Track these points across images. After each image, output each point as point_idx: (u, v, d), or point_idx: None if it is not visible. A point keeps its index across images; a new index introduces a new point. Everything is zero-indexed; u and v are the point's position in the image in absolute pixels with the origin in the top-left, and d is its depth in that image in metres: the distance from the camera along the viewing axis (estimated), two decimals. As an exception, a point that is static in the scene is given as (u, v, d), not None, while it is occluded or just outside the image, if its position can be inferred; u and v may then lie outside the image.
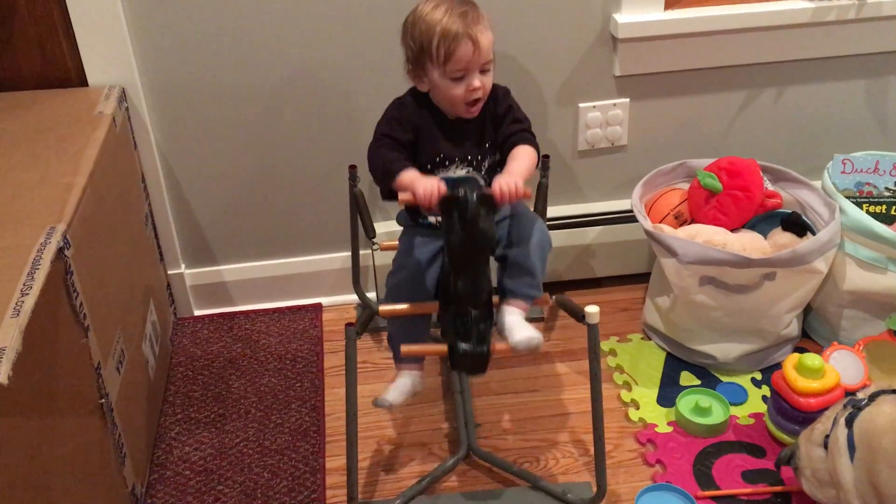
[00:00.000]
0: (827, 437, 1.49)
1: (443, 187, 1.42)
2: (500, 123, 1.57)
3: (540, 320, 2.11)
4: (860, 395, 1.49)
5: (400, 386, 1.63)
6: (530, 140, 1.57)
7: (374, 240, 1.93)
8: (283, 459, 1.76)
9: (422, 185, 1.43)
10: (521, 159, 1.53)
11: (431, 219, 1.61)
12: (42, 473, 1.24)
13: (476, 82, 1.48)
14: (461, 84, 1.49)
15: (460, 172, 1.58)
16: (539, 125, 2.01)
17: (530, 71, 1.96)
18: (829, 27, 1.97)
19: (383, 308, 1.57)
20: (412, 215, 1.66)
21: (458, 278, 1.46)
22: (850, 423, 1.44)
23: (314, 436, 1.81)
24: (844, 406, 1.50)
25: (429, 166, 1.56)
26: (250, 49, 1.86)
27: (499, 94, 1.57)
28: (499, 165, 1.59)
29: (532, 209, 1.80)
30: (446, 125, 1.56)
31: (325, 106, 1.95)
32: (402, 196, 1.47)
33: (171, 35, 1.82)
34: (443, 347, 1.52)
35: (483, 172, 1.59)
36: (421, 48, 1.48)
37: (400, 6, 1.84)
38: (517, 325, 1.51)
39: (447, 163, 1.57)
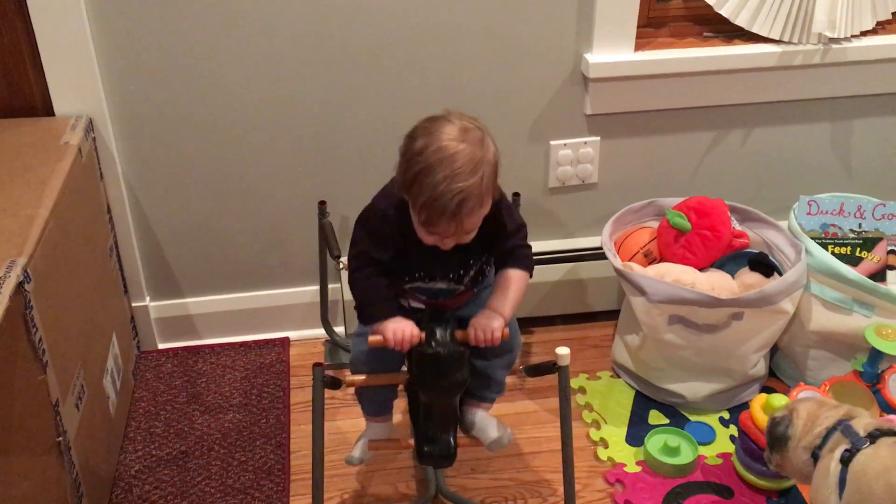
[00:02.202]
0: (818, 449, 1.46)
1: (414, 334, 1.38)
2: (495, 238, 1.45)
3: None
4: (860, 430, 1.43)
5: (371, 436, 1.61)
6: (524, 259, 1.47)
7: (340, 259, 1.90)
8: (246, 499, 1.72)
9: (392, 329, 1.38)
10: (509, 291, 1.43)
11: (403, 303, 1.52)
12: (-6, 516, 1.20)
13: (449, 244, 1.37)
14: (434, 236, 1.36)
15: (441, 285, 1.49)
16: (510, 162, 2.00)
17: (503, 108, 1.97)
18: (796, 71, 2.01)
19: (350, 379, 1.53)
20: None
21: (429, 405, 1.47)
22: (845, 461, 1.41)
23: (279, 474, 1.78)
24: (840, 430, 1.44)
25: (407, 278, 1.48)
26: (220, 81, 1.85)
27: (491, 214, 1.39)
28: (483, 274, 1.52)
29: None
30: (430, 245, 1.40)
31: (294, 139, 1.94)
32: (372, 338, 1.41)
33: (139, 66, 1.81)
34: (409, 442, 1.56)
35: (465, 282, 1.51)
36: (409, 186, 1.32)
37: (371, 44, 1.85)
38: (487, 424, 1.55)
39: (427, 279, 1.48)
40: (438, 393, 1.43)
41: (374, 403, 1.60)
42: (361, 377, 1.53)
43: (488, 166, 1.32)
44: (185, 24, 1.78)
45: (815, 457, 1.47)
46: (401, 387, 1.62)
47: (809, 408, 1.51)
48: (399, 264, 1.45)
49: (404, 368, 1.55)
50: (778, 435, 1.51)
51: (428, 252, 1.41)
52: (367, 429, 1.63)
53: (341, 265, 1.90)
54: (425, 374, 1.40)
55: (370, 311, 1.43)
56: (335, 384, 1.53)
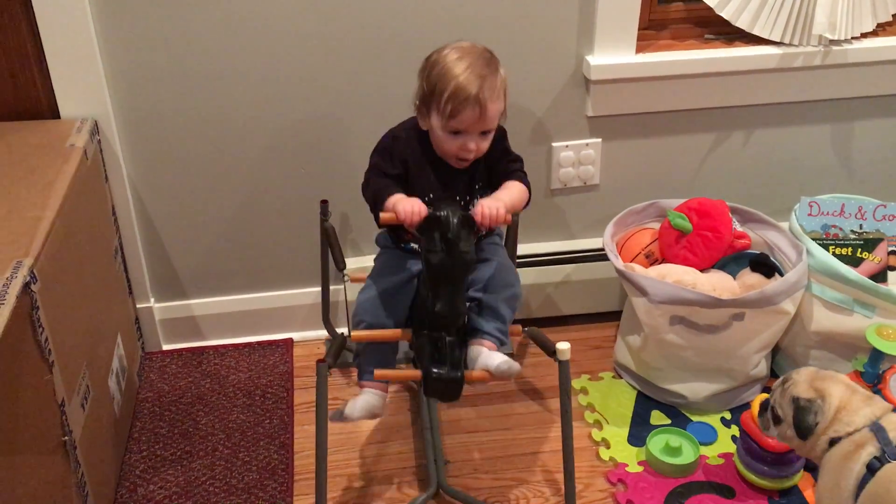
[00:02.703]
0: (836, 440, 1.42)
1: (424, 208, 1.44)
2: (495, 162, 1.58)
3: (509, 356, 2.11)
4: (892, 436, 1.38)
5: (362, 403, 1.58)
6: (523, 178, 1.59)
7: (345, 271, 1.92)
8: (250, 498, 1.73)
9: (403, 204, 1.44)
10: (510, 189, 1.55)
11: (414, 245, 1.61)
12: (1, 514, 1.21)
13: (471, 144, 1.49)
14: (457, 139, 1.49)
15: None
16: (512, 164, 2.03)
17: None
18: (796, 73, 2.02)
19: (355, 333, 1.56)
20: (394, 240, 1.66)
21: (436, 300, 1.46)
22: (872, 468, 1.36)
23: (282, 474, 1.79)
24: (871, 431, 1.40)
25: None
26: (224, 83, 1.86)
27: (494, 139, 1.56)
28: None
29: (503, 241, 1.80)
30: (437, 164, 1.56)
31: (297, 140, 1.95)
32: (384, 215, 1.47)
33: (144, 68, 1.82)
34: (416, 372, 1.52)
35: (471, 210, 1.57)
36: (432, 92, 1.48)
37: (375, 44, 1.87)
38: (491, 355, 1.52)
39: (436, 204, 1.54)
40: (446, 265, 1.42)
41: (373, 360, 1.59)
42: (368, 332, 1.55)
43: (500, 68, 1.51)
44: (190, 26, 1.79)
45: (832, 444, 1.43)
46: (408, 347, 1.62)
47: (841, 395, 1.44)
48: (409, 186, 1.54)
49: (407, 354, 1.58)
50: (807, 424, 1.44)
51: (436, 172, 1.55)
52: (360, 395, 1.59)
53: (347, 277, 1.91)
54: (433, 243, 1.41)
55: (382, 194, 1.49)
56: (340, 347, 1.57)
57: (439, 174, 1.56)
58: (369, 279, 1.63)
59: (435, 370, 1.48)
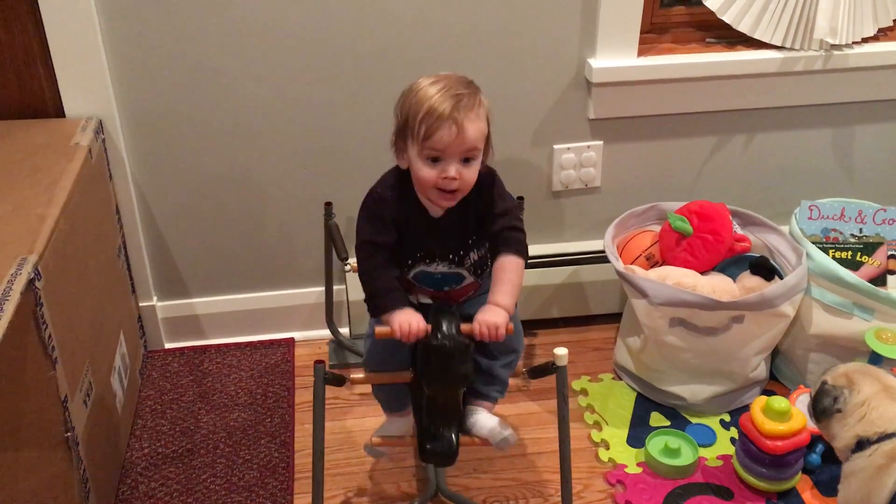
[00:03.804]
0: (864, 442, 1.39)
1: (420, 326, 1.39)
2: (485, 218, 1.46)
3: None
4: None
5: (390, 431, 1.63)
6: (517, 244, 1.46)
7: (347, 261, 1.92)
8: (251, 496, 1.74)
9: (399, 321, 1.39)
10: (507, 283, 1.43)
11: (412, 298, 1.54)
12: (4, 508, 1.22)
13: (452, 171, 1.36)
14: (435, 167, 1.37)
15: (441, 267, 1.49)
16: (514, 166, 2.04)
17: (507, 112, 1.99)
18: (798, 77, 2.03)
19: (354, 377, 1.55)
20: None
21: (432, 400, 1.48)
22: None
23: (283, 472, 1.80)
24: None
25: (409, 261, 1.49)
26: (228, 83, 1.87)
27: (483, 186, 1.44)
28: (486, 264, 1.52)
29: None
30: (428, 221, 1.46)
31: (301, 141, 1.96)
32: (379, 329, 1.42)
33: (149, 68, 1.83)
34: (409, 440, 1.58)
35: (467, 267, 1.51)
36: (406, 120, 1.38)
37: (378, 46, 1.88)
38: (492, 423, 1.55)
39: (427, 260, 1.48)
40: (443, 385, 1.44)
41: (392, 400, 1.62)
42: (365, 375, 1.55)
43: (480, 93, 1.39)
44: (194, 26, 1.80)
45: (861, 446, 1.40)
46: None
47: (873, 392, 1.41)
48: (400, 247, 1.46)
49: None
50: (822, 406, 1.42)
51: (426, 229, 1.45)
52: (386, 422, 1.65)
53: (348, 267, 1.92)
54: (430, 366, 1.42)
55: (379, 301, 1.43)
56: (339, 381, 1.55)
57: (430, 231, 1.46)
58: (370, 327, 1.54)
59: (428, 446, 1.51)
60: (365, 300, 1.48)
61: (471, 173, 1.39)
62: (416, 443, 1.54)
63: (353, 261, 1.88)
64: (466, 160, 1.38)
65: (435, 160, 1.37)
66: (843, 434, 1.44)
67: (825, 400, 1.44)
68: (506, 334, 1.41)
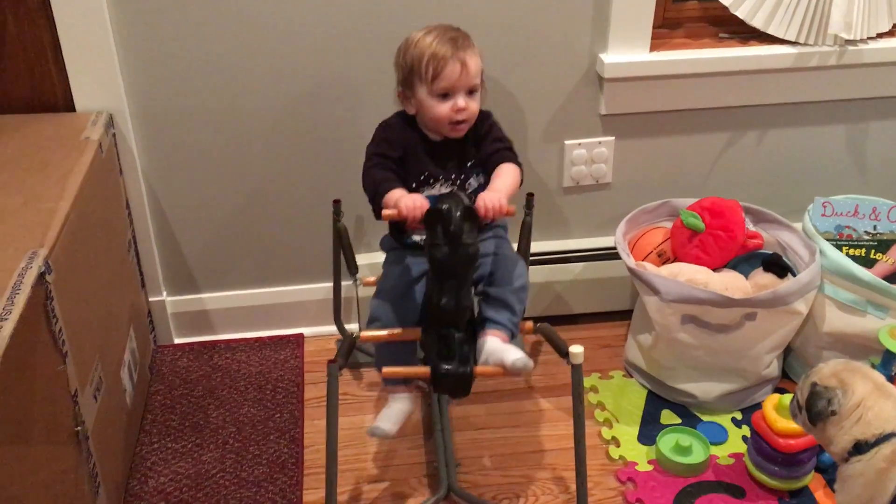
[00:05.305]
0: (865, 445, 1.36)
1: (426, 202, 1.45)
2: (482, 143, 1.61)
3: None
4: None
5: (394, 412, 1.62)
6: (512, 158, 1.61)
7: (357, 275, 1.93)
8: (260, 492, 1.74)
9: (405, 200, 1.46)
10: (505, 177, 1.56)
11: (416, 237, 1.62)
12: (14, 502, 1.22)
13: (461, 102, 1.53)
14: (447, 102, 1.53)
15: (444, 190, 1.61)
16: (525, 161, 2.01)
17: (518, 107, 1.98)
18: (811, 72, 2.01)
19: (364, 334, 1.56)
20: (397, 237, 1.67)
21: (442, 295, 1.46)
22: None
23: (292, 468, 1.79)
24: None
25: (414, 185, 1.59)
26: (239, 79, 1.87)
27: (481, 117, 1.61)
28: (483, 188, 1.59)
29: (515, 245, 1.81)
30: (430, 145, 1.61)
31: (311, 137, 1.96)
32: (386, 212, 1.49)
33: (160, 63, 1.83)
34: (425, 369, 1.52)
35: (468, 192, 1.62)
36: (411, 69, 1.54)
37: (388, 41, 1.87)
38: (505, 348, 1.51)
39: (431, 181, 1.61)
40: (450, 260, 1.42)
41: (388, 362, 1.59)
42: (377, 333, 1.55)
43: (468, 35, 1.57)
44: (205, 22, 1.80)
45: (859, 449, 1.37)
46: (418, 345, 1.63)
47: (867, 392, 1.38)
48: (405, 170, 1.59)
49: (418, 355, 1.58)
50: (818, 410, 1.40)
51: (428, 152, 1.60)
52: (390, 401, 1.63)
53: (359, 282, 1.91)
54: (437, 237, 1.41)
55: (380, 188, 1.53)
56: (350, 346, 1.58)
57: (432, 155, 1.60)
58: (379, 284, 1.66)
59: (444, 366, 1.48)
60: (370, 200, 1.58)
61: (475, 104, 1.57)
62: (431, 376, 1.50)
63: (361, 275, 1.90)
64: (470, 93, 1.55)
65: (444, 96, 1.53)
66: (839, 437, 1.40)
67: (819, 403, 1.40)
68: (507, 214, 1.47)
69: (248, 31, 1.82)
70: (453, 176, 1.62)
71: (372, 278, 1.85)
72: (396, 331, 1.57)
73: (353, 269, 1.93)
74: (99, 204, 1.69)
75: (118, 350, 1.76)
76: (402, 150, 1.59)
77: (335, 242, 1.95)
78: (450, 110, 1.54)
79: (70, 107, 1.83)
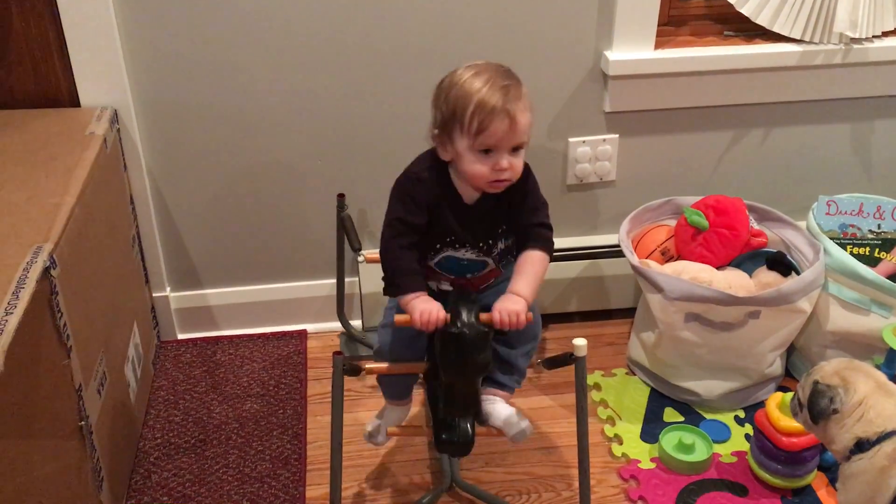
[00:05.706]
0: (867, 442, 1.36)
1: (440, 316, 1.38)
2: (518, 208, 1.46)
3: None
4: None
5: (390, 420, 1.63)
6: (544, 241, 1.47)
7: (361, 251, 1.92)
8: (263, 487, 1.74)
9: (421, 311, 1.38)
10: (529, 275, 1.43)
11: (431, 285, 1.53)
12: (19, 495, 1.22)
13: (504, 162, 1.37)
14: (488, 160, 1.37)
15: (469, 255, 1.49)
16: (529, 159, 2.01)
17: (521, 104, 1.98)
18: (817, 71, 2.01)
19: (369, 366, 1.54)
20: None
21: (450, 388, 1.47)
22: None
23: (295, 463, 1.80)
24: None
25: (438, 245, 1.48)
26: (243, 74, 1.87)
27: (519, 181, 1.44)
28: (511, 253, 1.52)
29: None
30: (461, 208, 1.45)
31: (315, 133, 1.96)
32: (399, 317, 1.41)
33: (165, 58, 1.83)
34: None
35: (494, 255, 1.51)
36: (453, 114, 1.36)
37: (392, 38, 1.87)
38: (507, 414, 1.54)
39: (457, 245, 1.48)
40: (461, 374, 1.42)
41: (396, 388, 1.62)
42: (381, 365, 1.54)
43: (521, 83, 1.40)
44: (210, 17, 1.80)
45: (861, 447, 1.37)
46: (421, 378, 1.63)
47: (869, 391, 1.38)
48: (429, 231, 1.45)
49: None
50: (820, 408, 1.40)
51: (458, 214, 1.44)
52: (385, 410, 1.64)
53: (361, 258, 1.91)
54: (449, 354, 1.40)
55: (399, 281, 1.43)
56: (355, 371, 1.54)
57: (461, 218, 1.45)
58: (386, 317, 1.55)
59: (445, 435, 1.50)
60: (384, 278, 1.47)
61: (520, 162, 1.41)
62: (433, 433, 1.53)
63: (366, 252, 1.89)
64: (515, 149, 1.39)
65: (486, 152, 1.37)
66: (841, 436, 1.40)
67: (822, 401, 1.41)
68: (525, 322, 1.40)
69: (252, 27, 1.82)
70: (480, 243, 1.48)
71: (375, 255, 1.84)
72: (400, 367, 1.55)
73: (356, 245, 1.90)
74: (103, 199, 1.69)
75: (122, 345, 1.76)
76: (429, 212, 1.43)
77: (339, 234, 1.95)
78: (490, 169, 1.37)
79: (75, 102, 1.83)
